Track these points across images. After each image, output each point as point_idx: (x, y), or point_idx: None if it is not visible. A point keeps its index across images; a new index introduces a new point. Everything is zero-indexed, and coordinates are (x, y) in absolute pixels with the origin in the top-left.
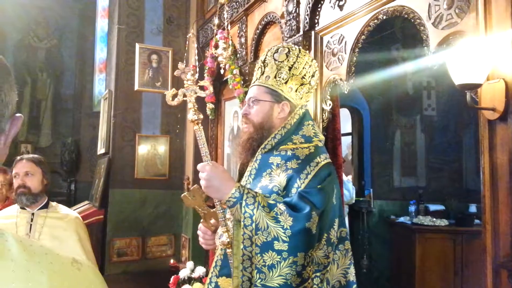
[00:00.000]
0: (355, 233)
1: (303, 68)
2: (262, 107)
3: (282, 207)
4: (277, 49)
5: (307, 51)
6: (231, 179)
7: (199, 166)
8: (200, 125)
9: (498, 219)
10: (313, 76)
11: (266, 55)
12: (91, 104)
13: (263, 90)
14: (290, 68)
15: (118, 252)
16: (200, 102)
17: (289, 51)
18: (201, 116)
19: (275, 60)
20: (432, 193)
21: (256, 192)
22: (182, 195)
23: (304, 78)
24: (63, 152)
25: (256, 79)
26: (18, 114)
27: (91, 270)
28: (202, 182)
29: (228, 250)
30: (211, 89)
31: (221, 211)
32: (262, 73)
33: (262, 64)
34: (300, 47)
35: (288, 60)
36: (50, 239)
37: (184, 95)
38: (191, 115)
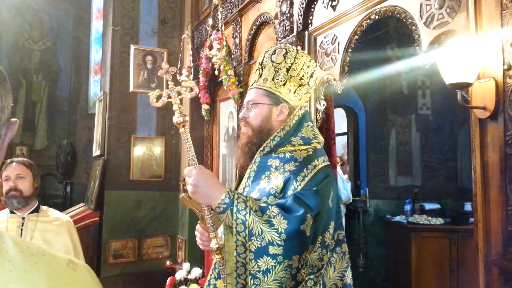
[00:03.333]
0: (351, 232)
1: (301, 69)
2: (261, 110)
3: (275, 209)
4: (275, 51)
5: (305, 52)
6: (220, 184)
7: (185, 171)
8: (186, 127)
9: (489, 217)
10: (311, 76)
11: (264, 57)
12: (87, 106)
13: (261, 93)
14: (288, 70)
15: (114, 254)
16: (195, 103)
17: (286, 52)
18: (187, 119)
19: (272, 62)
20: (427, 192)
21: (246, 196)
22: (180, 196)
23: (302, 79)
24: (58, 154)
25: (254, 82)
26: (13, 119)
27: (87, 271)
28: (188, 187)
29: (217, 256)
30: (196, 90)
31: (209, 216)
32: (260, 76)
33: (259, 66)
34: (299, 47)
35: (285, 62)
36: (41, 243)
37: (169, 96)
38: (176, 117)
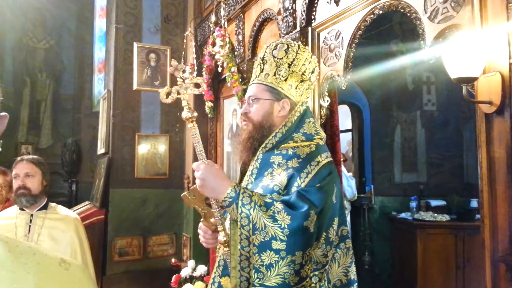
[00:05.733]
0: (356, 229)
1: (303, 64)
2: (262, 106)
3: (279, 205)
4: (276, 46)
5: (307, 47)
6: (227, 178)
7: (194, 165)
8: (194, 123)
9: (496, 213)
10: (313, 72)
11: (265, 52)
12: (91, 104)
13: (263, 88)
14: (289, 65)
15: (120, 252)
16: (199, 100)
17: (288, 48)
18: (195, 114)
19: (274, 57)
20: (433, 188)
21: (252, 191)
22: (182, 194)
23: (304, 74)
24: (63, 153)
25: (255, 77)
26: (3, 113)
27: (80, 270)
28: (197, 181)
29: (225, 249)
30: (204, 86)
31: (217, 209)
32: (261, 71)
33: (261, 61)
34: (300, 42)
35: (287, 57)
36: (48, 240)
37: (178, 93)
38: (185, 112)
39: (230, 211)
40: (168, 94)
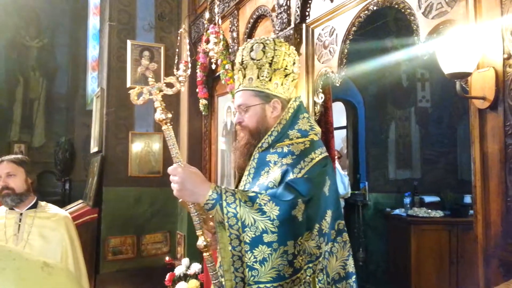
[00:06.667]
0: (351, 226)
1: (283, 59)
2: (254, 112)
3: (265, 197)
4: (252, 47)
5: (282, 40)
6: (205, 181)
7: (169, 169)
8: (168, 124)
9: (489, 209)
10: (294, 63)
11: (242, 55)
12: (84, 103)
13: (250, 94)
14: (270, 64)
15: (113, 251)
16: (193, 98)
17: (264, 47)
18: (170, 115)
19: (252, 59)
20: (427, 185)
21: (233, 189)
22: (180, 200)
23: (286, 69)
24: (57, 152)
25: (240, 84)
26: None
27: (64, 273)
28: (174, 186)
29: (205, 254)
30: (178, 86)
31: (195, 213)
32: (244, 76)
33: (241, 67)
34: (275, 37)
35: (266, 56)
36: (39, 239)
37: (150, 93)
38: (158, 114)
39: (214, 213)
40: (139, 95)
